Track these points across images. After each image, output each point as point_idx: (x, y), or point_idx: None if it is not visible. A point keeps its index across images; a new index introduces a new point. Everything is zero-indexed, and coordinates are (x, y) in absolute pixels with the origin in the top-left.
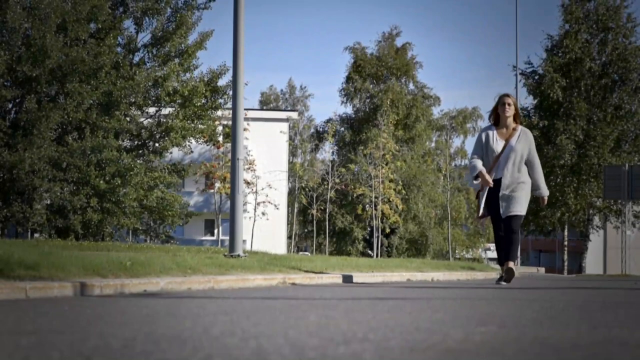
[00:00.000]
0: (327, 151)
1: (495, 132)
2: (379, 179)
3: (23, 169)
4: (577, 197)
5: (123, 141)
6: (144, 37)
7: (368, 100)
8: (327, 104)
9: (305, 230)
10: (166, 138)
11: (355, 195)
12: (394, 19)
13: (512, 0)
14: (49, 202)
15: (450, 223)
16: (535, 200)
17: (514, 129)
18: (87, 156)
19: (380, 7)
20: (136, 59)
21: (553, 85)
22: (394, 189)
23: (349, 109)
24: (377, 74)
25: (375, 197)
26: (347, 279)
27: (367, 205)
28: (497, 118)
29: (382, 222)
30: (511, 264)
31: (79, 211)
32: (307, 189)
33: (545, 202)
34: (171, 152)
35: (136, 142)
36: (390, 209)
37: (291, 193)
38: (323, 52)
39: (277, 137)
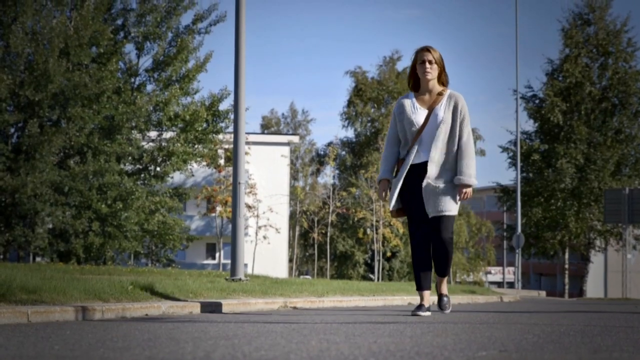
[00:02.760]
0: (328, 175)
1: (414, 99)
2: (380, 202)
3: (25, 193)
4: (578, 221)
5: (125, 165)
6: (145, 62)
7: (369, 124)
8: (328, 128)
9: (307, 253)
10: (167, 162)
11: (356, 219)
12: (395, 43)
13: (512, 25)
14: (50, 226)
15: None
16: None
17: (440, 94)
18: (88, 180)
19: (382, 32)
20: (137, 83)
21: (553, 109)
22: None
23: (350, 133)
24: (378, 97)
25: (376, 221)
26: (348, 303)
27: (368, 229)
28: (416, 82)
29: (383, 246)
30: (444, 288)
31: (80, 235)
32: (308, 213)
33: (466, 195)
34: (172, 177)
35: (137, 166)
36: (391, 233)
37: (292, 217)
38: (324, 76)
39: (279, 161)
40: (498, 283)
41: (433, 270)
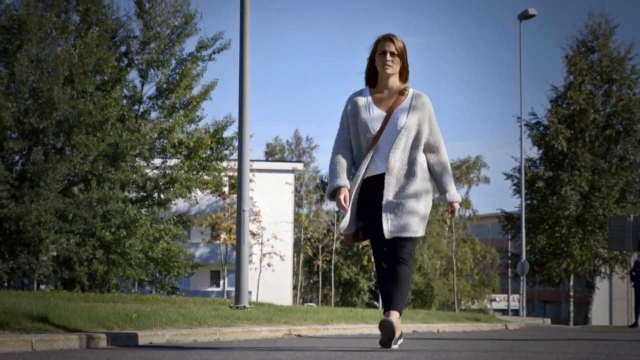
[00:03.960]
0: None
1: (370, 98)
2: None
3: (29, 220)
4: (583, 248)
5: (129, 192)
6: (149, 89)
7: None
8: None
9: (311, 281)
10: (171, 189)
11: (360, 246)
12: None
13: (516, 52)
14: (55, 253)
15: (456, 274)
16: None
17: (402, 94)
18: (93, 208)
19: None
20: (141, 110)
21: (558, 137)
22: None
23: None
24: None
25: None
26: (352, 331)
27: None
28: (373, 76)
29: None
30: (393, 316)
31: (84, 262)
32: (312, 240)
33: (456, 212)
34: (176, 204)
35: (142, 194)
36: None
37: (297, 244)
38: (329, 103)
39: (283, 188)
40: (503, 310)
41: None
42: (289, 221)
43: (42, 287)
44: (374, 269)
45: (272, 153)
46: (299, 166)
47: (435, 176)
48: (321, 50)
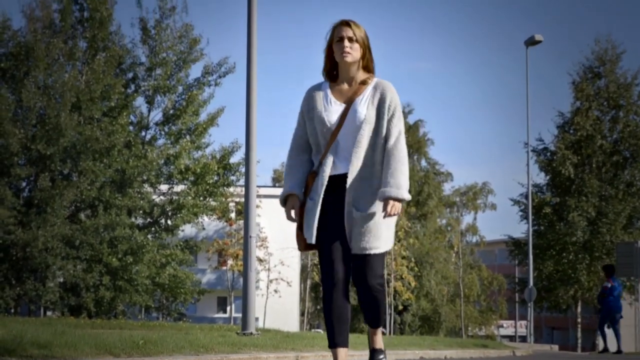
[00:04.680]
0: None
1: (329, 91)
2: (391, 256)
3: (36, 247)
4: (590, 274)
5: (135, 219)
6: (156, 115)
7: None
8: None
9: (318, 307)
10: (178, 215)
11: None
12: (406, 96)
13: (523, 78)
14: (61, 279)
15: (463, 300)
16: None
17: (364, 83)
18: (99, 234)
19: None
20: (148, 136)
21: (565, 162)
22: (407, 266)
23: None
24: None
25: (388, 274)
26: (359, 358)
27: None
28: (333, 67)
29: (394, 299)
30: (378, 341)
31: (91, 289)
32: (319, 266)
33: (393, 211)
34: (183, 230)
35: (148, 220)
36: (403, 286)
37: (303, 270)
38: None
39: None
40: (510, 337)
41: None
42: (296, 247)
43: (49, 313)
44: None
45: (279, 179)
46: None
47: (384, 168)
48: None
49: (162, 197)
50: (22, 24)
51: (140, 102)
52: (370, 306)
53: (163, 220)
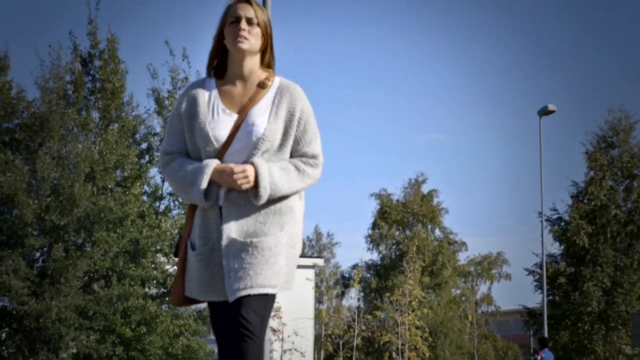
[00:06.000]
0: (353, 298)
1: (215, 92)
2: (405, 326)
3: (50, 317)
4: (606, 345)
5: (149, 289)
6: (170, 185)
7: (394, 247)
8: (353, 250)
9: None
10: None
11: (381, 342)
12: (419, 166)
13: (536, 148)
14: (74, 350)
15: None
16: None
17: (263, 85)
18: (113, 304)
19: (406, 155)
20: (162, 207)
21: (579, 232)
22: (421, 336)
23: (374, 256)
24: (403, 220)
25: (402, 345)
26: None
27: (394, 353)
28: (222, 58)
29: None
30: None
31: None
32: (333, 336)
33: (242, 177)
34: None
35: (162, 290)
36: (417, 357)
37: (317, 340)
38: (349, 199)
39: (304, 284)
40: None
41: None
42: (310, 317)
43: None
44: None
45: None
46: (320, 262)
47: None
48: (340, 146)
49: (175, 267)
50: (37, 95)
51: (154, 172)
52: None
53: None
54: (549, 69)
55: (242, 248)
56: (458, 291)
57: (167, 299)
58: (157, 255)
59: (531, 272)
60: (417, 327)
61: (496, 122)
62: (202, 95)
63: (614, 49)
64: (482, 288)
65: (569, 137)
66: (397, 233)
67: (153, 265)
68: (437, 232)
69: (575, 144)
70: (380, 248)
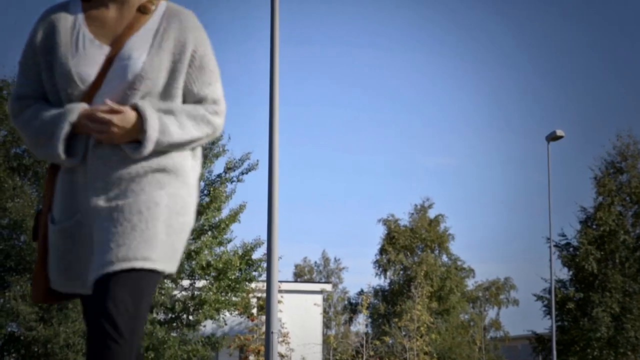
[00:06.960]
0: (360, 323)
1: (82, 16)
2: (413, 351)
3: (57, 343)
4: None
5: (157, 314)
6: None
7: (402, 272)
8: (361, 276)
9: None
10: (200, 311)
11: None
12: (426, 191)
13: (544, 173)
14: None
15: None
16: None
17: (145, 9)
18: None
19: (413, 179)
20: None
21: (588, 258)
22: None
23: (382, 281)
24: (411, 245)
25: None
26: None
27: None
28: None
29: None
30: None
31: None
32: None
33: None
34: (204, 325)
35: (170, 315)
36: None
37: None
38: (356, 225)
39: (311, 309)
40: None
41: None
42: (318, 342)
43: None
44: None
45: (301, 274)
46: (328, 287)
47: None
48: (347, 171)
49: (183, 293)
50: None
51: None
52: None
53: (185, 316)
54: (557, 95)
55: (107, 216)
56: (466, 316)
57: (174, 324)
58: (165, 280)
59: (539, 297)
60: (426, 353)
61: (504, 147)
62: (64, 22)
63: (622, 74)
64: (491, 313)
65: (578, 163)
66: (404, 258)
67: (161, 291)
68: (445, 258)
69: (583, 170)
70: (388, 273)
